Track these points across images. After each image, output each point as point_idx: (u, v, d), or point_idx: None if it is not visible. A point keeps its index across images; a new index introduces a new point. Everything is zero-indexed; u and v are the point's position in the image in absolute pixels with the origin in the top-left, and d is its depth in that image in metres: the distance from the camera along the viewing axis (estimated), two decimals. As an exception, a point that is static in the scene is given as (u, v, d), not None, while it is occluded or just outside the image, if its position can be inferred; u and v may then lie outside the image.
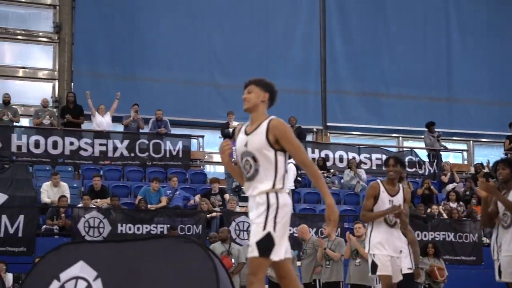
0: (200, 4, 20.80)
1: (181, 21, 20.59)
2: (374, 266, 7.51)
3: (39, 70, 20.04)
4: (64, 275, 6.36)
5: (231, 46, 20.92)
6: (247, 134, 5.08)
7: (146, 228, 13.98)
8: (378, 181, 7.78)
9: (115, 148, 16.90)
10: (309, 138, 20.63)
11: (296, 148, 4.97)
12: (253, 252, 4.86)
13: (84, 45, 19.80)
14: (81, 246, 7.15)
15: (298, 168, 15.74)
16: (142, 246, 6.56)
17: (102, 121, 17.15)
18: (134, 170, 16.95)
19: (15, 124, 16.96)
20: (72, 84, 19.71)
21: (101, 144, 16.85)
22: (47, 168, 16.33)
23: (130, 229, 13.88)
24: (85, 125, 17.67)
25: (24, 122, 18.66)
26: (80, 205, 14.16)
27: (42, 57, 20.22)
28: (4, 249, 12.92)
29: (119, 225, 13.84)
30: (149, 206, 14.60)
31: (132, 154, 17.02)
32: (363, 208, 7.67)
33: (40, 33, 20.01)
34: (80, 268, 6.33)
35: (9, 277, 11.51)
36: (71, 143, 16.67)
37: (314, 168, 5.04)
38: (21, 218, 13.19)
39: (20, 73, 19.85)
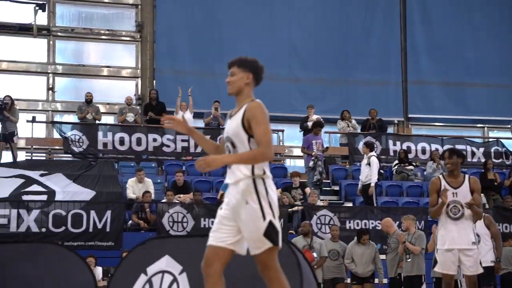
0: (279, -1, 20.90)
1: (260, 16, 20.68)
2: (435, 262, 7.48)
3: (123, 69, 20.54)
4: (151, 269, 6.51)
5: (310, 40, 20.87)
6: (230, 118, 4.84)
7: (229, 222, 14.06)
8: (439, 175, 7.71)
9: (196, 144, 17.09)
10: (390, 130, 20.36)
11: (262, 129, 4.59)
12: (263, 246, 4.60)
13: (165, 42, 20.17)
14: (166, 240, 7.30)
15: (380, 161, 15.57)
16: None
17: (184, 117, 17.36)
18: (216, 165, 17.06)
19: (100, 122, 17.42)
20: (154, 81, 20.12)
21: (183, 140, 17.08)
22: (132, 164, 16.71)
23: (212, 223, 13.97)
24: (167, 122, 17.91)
25: (109, 120, 19.16)
26: (164, 200, 14.43)
27: (125, 56, 20.72)
28: (93, 244, 13.25)
29: (202, 219, 13.99)
30: (230, 200, 14.66)
31: (214, 149, 17.12)
32: (429, 204, 7.63)
33: (123, 33, 20.50)
34: (166, 262, 6.46)
35: (98, 271, 11.81)
36: (154, 140, 16.99)
37: (263, 151, 4.58)
38: (108, 213, 13.50)
39: (105, 72, 20.40)
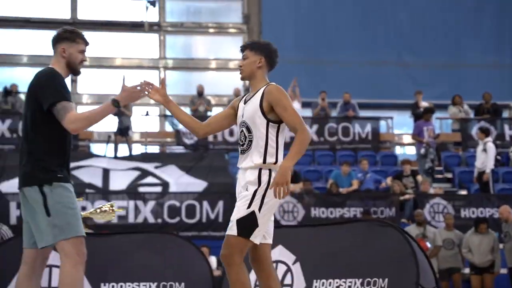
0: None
1: (366, 1, 20.39)
2: None
3: (230, 61, 20.80)
4: None
5: (418, 23, 20.38)
6: (245, 103, 4.65)
7: (339, 211, 14.01)
8: None
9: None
10: (505, 114, 19.57)
11: (290, 113, 4.43)
12: (232, 229, 4.41)
13: (271, 33, 20.21)
14: (279, 230, 7.31)
15: (497, 146, 15.02)
16: (338, 230, 6.61)
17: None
18: (324, 154, 17.07)
19: (208, 113, 17.73)
20: (261, 72, 20.23)
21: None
22: (242, 155, 16.90)
23: (323, 213, 13.99)
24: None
25: (218, 111, 19.43)
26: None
27: (233, 48, 20.96)
28: (207, 234, 13.46)
29: (312, 209, 13.97)
30: (340, 189, 14.64)
31: (322, 139, 17.14)
32: None
33: (230, 25, 20.77)
34: (279, 252, 6.49)
35: (213, 260, 12.01)
36: (263, 130, 17.05)
37: (304, 136, 4.41)
38: (220, 204, 13.67)
39: (213, 64, 20.75)
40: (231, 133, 16.87)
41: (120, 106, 4.49)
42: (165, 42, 20.51)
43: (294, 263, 6.38)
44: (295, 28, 20.18)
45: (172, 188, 14.31)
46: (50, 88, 4.34)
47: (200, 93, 17.79)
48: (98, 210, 4.81)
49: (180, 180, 14.54)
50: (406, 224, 12.99)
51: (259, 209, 4.41)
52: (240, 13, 20.69)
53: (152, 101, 18.07)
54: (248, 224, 4.39)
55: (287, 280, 6.38)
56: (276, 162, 4.47)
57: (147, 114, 17.74)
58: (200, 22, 20.65)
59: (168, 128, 17.97)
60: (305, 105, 17.89)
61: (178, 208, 13.55)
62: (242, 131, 4.58)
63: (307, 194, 14.23)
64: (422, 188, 14.39)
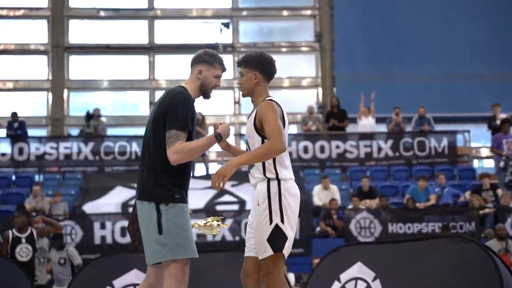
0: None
1: (437, 15, 20.17)
2: None
3: (303, 79, 20.89)
4: (344, 276, 6.51)
5: (494, 34, 19.97)
6: (248, 119, 4.64)
7: (417, 227, 13.82)
8: None
9: (379, 149, 16.96)
10: None
11: (271, 125, 4.34)
12: (266, 251, 4.39)
13: (343, 50, 20.26)
14: (358, 247, 7.27)
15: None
16: (418, 246, 6.49)
17: (366, 123, 17.36)
18: (400, 169, 16.89)
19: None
20: (334, 89, 20.25)
21: (366, 146, 17.02)
22: (316, 172, 16.91)
23: (400, 228, 13.83)
24: (349, 128, 18.01)
25: (292, 129, 19.54)
26: (350, 207, 14.44)
27: (305, 66, 21.06)
28: None
29: (389, 224, 13.85)
30: (417, 204, 14.44)
31: (397, 154, 16.96)
32: None
33: (303, 43, 20.88)
34: (359, 269, 6.45)
35: (291, 277, 12.04)
36: (337, 147, 17.06)
37: (271, 145, 4.31)
38: (297, 220, 13.70)
39: (286, 83, 20.85)
40: (306, 150, 16.91)
41: (222, 140, 4.49)
42: (239, 62, 20.76)
43: (373, 280, 6.30)
44: (367, 43, 20.13)
45: (249, 206, 14.39)
46: (178, 113, 4.33)
47: None
48: (203, 223, 4.75)
49: (256, 198, 14.63)
50: (486, 240, 12.69)
51: (282, 221, 4.39)
52: (312, 31, 20.77)
53: (227, 120, 18.31)
54: (277, 237, 4.38)
55: (367, 297, 6.31)
56: (278, 176, 4.43)
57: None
58: (273, 41, 20.83)
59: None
60: (379, 120, 17.77)
61: (255, 226, 13.66)
62: (246, 148, 4.61)
63: (383, 209, 14.08)
64: (503, 202, 14.03)
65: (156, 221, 4.36)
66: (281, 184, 4.43)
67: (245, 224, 13.58)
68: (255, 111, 4.52)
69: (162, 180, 4.38)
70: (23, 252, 9.57)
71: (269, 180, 4.43)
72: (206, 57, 4.59)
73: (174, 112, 4.33)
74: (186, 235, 4.38)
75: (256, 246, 4.48)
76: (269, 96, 4.58)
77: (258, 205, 4.44)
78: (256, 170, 4.49)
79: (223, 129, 4.50)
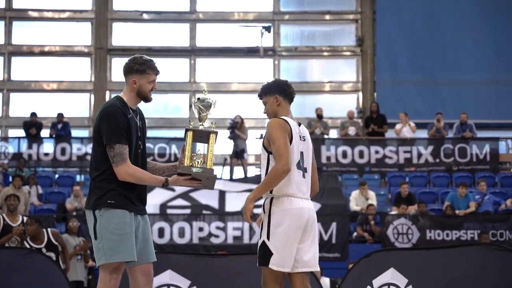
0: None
1: (482, 21, 19.93)
2: None
3: (344, 83, 20.83)
4: (376, 282, 6.49)
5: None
6: None
7: (456, 234, 13.68)
8: None
9: (419, 155, 16.84)
10: None
11: (276, 145, 4.56)
12: (257, 262, 4.67)
13: (385, 54, 20.14)
14: (391, 253, 7.27)
15: None
16: (453, 254, 6.47)
17: (405, 128, 17.25)
18: (440, 175, 16.72)
19: (325, 136, 17.80)
20: (375, 94, 20.14)
21: (405, 151, 16.91)
22: (355, 177, 16.85)
23: (439, 235, 13.70)
24: (389, 134, 17.91)
25: (332, 133, 19.48)
26: (388, 212, 14.34)
27: (346, 71, 21.00)
28: (320, 255, 13.43)
29: (427, 231, 13.73)
30: (457, 211, 14.28)
31: (437, 160, 16.81)
32: None
33: (344, 48, 20.83)
34: (391, 275, 6.42)
35: (325, 281, 12.00)
36: (377, 152, 16.99)
37: (275, 169, 4.52)
38: (333, 225, 13.69)
39: (327, 87, 20.83)
40: (344, 155, 16.89)
41: (167, 186, 4.69)
42: (280, 66, 20.84)
43: (406, 286, 6.28)
44: (409, 49, 19.98)
45: None
46: (106, 129, 4.55)
47: (320, 116, 17.82)
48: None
49: (293, 202, 14.63)
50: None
51: (268, 237, 4.58)
52: (354, 36, 20.70)
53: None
54: (262, 253, 4.58)
55: (400, 303, 6.29)
56: (277, 193, 4.62)
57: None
58: (314, 46, 20.83)
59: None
60: (420, 126, 17.62)
61: (292, 230, 13.66)
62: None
63: (422, 216, 13.97)
64: (545, 211, 13.80)
65: (92, 227, 4.57)
66: (273, 202, 4.64)
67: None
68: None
69: (98, 187, 4.61)
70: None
71: (272, 198, 4.66)
72: (137, 66, 4.73)
73: (104, 128, 4.57)
74: (118, 239, 4.52)
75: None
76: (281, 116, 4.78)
77: (262, 221, 4.72)
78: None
79: (173, 181, 4.68)
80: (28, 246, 9.28)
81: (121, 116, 4.59)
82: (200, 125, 4.73)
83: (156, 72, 4.84)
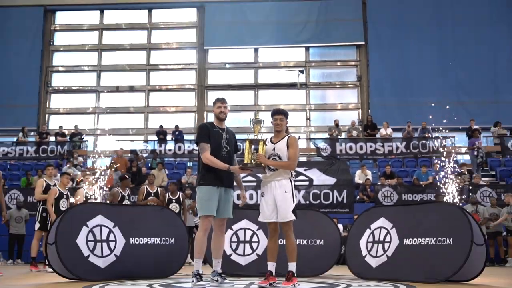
0: None
1: (438, 60, 19.13)
2: None
3: (349, 104, 20.05)
4: (373, 226, 6.32)
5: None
6: (274, 143, 4.84)
7: (420, 196, 13.23)
8: None
9: (397, 148, 16.42)
10: None
11: (292, 153, 4.74)
12: (289, 216, 4.68)
13: (375, 86, 19.44)
14: (382, 208, 7.12)
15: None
16: (420, 208, 6.25)
17: (387, 131, 17.01)
18: (410, 160, 16.19)
19: (338, 137, 17.56)
20: (369, 111, 19.55)
21: (388, 146, 16.56)
22: (357, 162, 16.62)
23: (409, 197, 13.31)
24: (378, 135, 17.51)
25: (343, 135, 19.13)
26: (378, 183, 14.09)
27: (351, 97, 19.93)
28: (336, 210, 13.26)
29: (403, 195, 13.37)
30: (421, 182, 13.88)
31: (408, 151, 16.29)
32: None
33: (349, 82, 19.69)
34: (382, 221, 6.21)
35: (340, 227, 11.46)
36: (371, 146, 16.60)
37: (289, 165, 4.77)
38: (344, 192, 13.46)
39: (339, 106, 20.11)
40: (351, 149, 16.65)
41: (229, 171, 4.71)
42: (310, 94, 20.69)
43: (391, 228, 6.12)
44: (390, 82, 19.24)
45: (315, 182, 14.11)
46: (197, 134, 4.86)
47: (337, 124, 17.68)
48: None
49: (320, 178, 14.26)
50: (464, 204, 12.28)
51: (294, 201, 4.79)
52: (355, 75, 20.49)
53: (301, 130, 17.60)
54: (295, 210, 4.76)
55: (387, 239, 6.08)
56: (292, 176, 4.84)
57: (298, 138, 17.85)
58: (330, 81, 20.62)
59: (311, 145, 18.21)
60: (396, 130, 17.25)
61: (318, 195, 13.45)
62: (274, 158, 4.79)
63: (399, 185, 13.74)
64: (475, 181, 13.52)
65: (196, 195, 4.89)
66: (293, 182, 4.88)
67: (312, 194, 13.48)
68: (286, 139, 4.79)
69: (199, 171, 4.81)
70: (174, 208, 9.78)
71: (290, 178, 4.84)
72: (213, 101, 5.01)
73: (196, 134, 4.89)
74: (205, 202, 4.75)
75: (281, 215, 4.74)
76: (292, 133, 5.05)
77: (285, 192, 4.77)
78: (283, 173, 4.80)
79: (233, 169, 4.72)
80: (167, 197, 9.86)
81: (205, 128, 4.82)
82: (255, 135, 4.73)
83: (222, 101, 4.95)
